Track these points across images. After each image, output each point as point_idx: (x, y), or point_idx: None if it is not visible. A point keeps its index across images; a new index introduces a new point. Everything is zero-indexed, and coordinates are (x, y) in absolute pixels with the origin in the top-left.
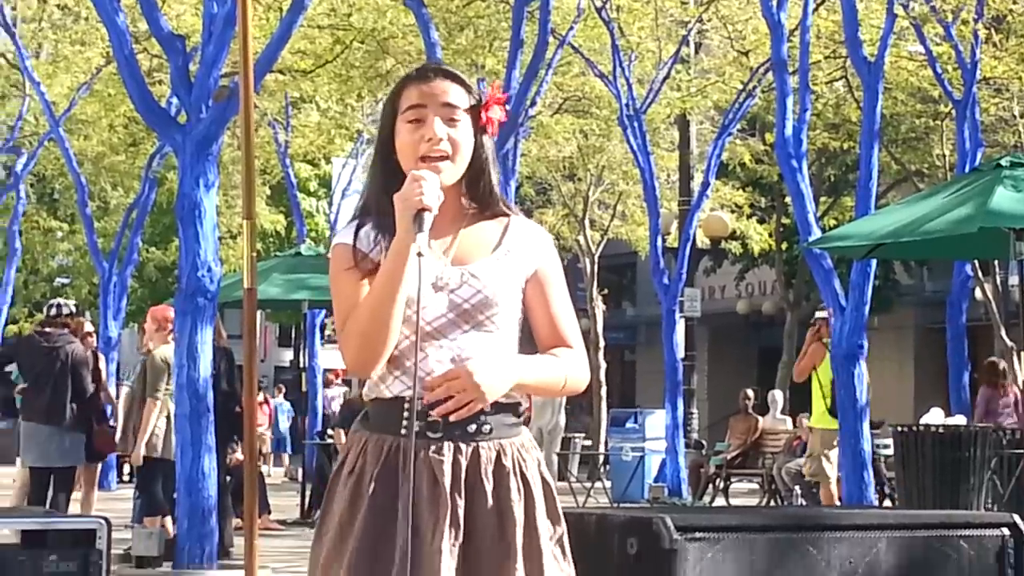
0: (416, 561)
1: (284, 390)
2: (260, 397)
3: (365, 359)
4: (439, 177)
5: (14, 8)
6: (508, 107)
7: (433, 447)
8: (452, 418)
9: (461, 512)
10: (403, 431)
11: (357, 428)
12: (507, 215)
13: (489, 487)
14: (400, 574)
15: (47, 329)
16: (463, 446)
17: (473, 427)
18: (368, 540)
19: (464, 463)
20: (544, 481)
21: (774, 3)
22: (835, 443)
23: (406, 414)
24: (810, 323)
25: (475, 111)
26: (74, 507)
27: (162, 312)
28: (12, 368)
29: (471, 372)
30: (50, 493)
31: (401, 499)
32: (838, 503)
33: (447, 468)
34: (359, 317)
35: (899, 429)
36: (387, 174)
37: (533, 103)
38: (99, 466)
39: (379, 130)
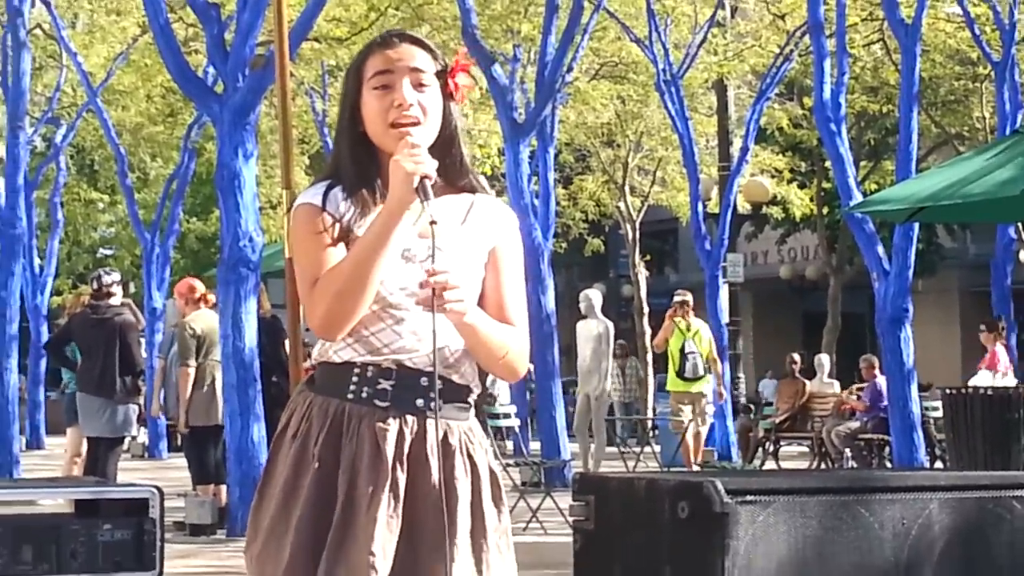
0: (351, 529)
1: None
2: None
3: (335, 321)
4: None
5: None
6: (469, 75)
7: (379, 415)
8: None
9: (402, 484)
10: (350, 396)
11: (302, 389)
12: (474, 191)
13: (434, 463)
14: (335, 539)
15: (96, 302)
16: (410, 419)
17: (421, 402)
18: (313, 506)
19: (409, 436)
20: (491, 470)
21: None
22: (686, 400)
23: (355, 379)
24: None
25: (442, 77)
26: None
27: (184, 285)
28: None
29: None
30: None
31: (343, 465)
32: (692, 455)
33: (391, 437)
34: (335, 278)
35: (948, 392)
36: (354, 142)
37: (570, 69)
38: None
39: (343, 98)
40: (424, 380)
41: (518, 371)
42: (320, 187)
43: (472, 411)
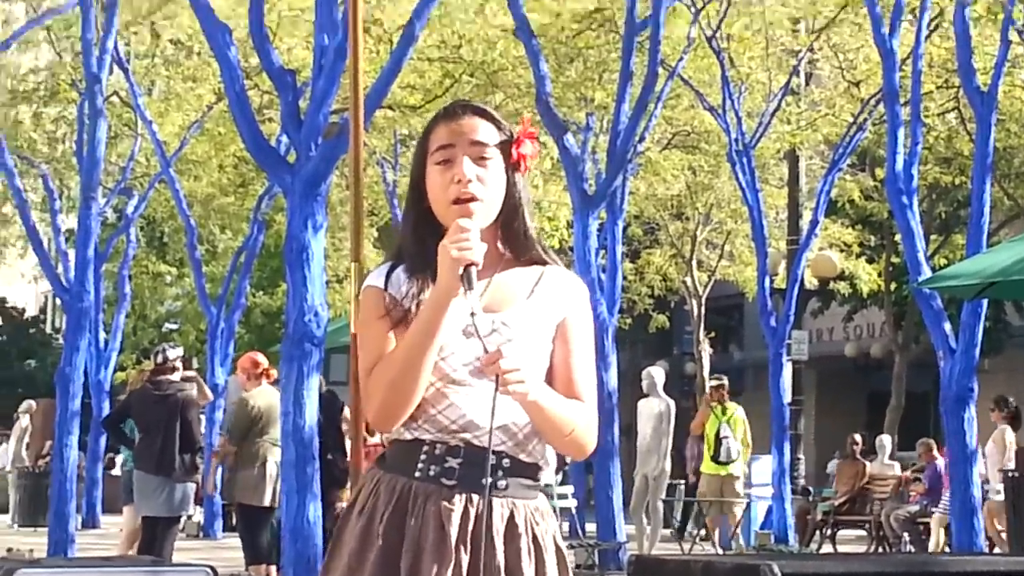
0: None
1: None
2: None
3: (390, 412)
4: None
5: (127, 43)
6: (536, 143)
7: (445, 494)
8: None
9: (465, 565)
10: (417, 474)
11: (372, 467)
12: (544, 263)
13: (499, 544)
14: None
15: (158, 378)
16: (475, 498)
17: (488, 481)
18: None
19: (473, 515)
20: (558, 548)
21: (886, 30)
22: (719, 485)
23: (423, 457)
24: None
25: (506, 148)
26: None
27: (247, 360)
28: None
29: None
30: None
31: (407, 544)
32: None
33: (456, 518)
34: (388, 367)
35: (1009, 474)
36: (419, 218)
37: (642, 138)
38: None
39: (411, 172)
40: (492, 459)
41: (586, 448)
42: (385, 268)
43: (540, 489)
